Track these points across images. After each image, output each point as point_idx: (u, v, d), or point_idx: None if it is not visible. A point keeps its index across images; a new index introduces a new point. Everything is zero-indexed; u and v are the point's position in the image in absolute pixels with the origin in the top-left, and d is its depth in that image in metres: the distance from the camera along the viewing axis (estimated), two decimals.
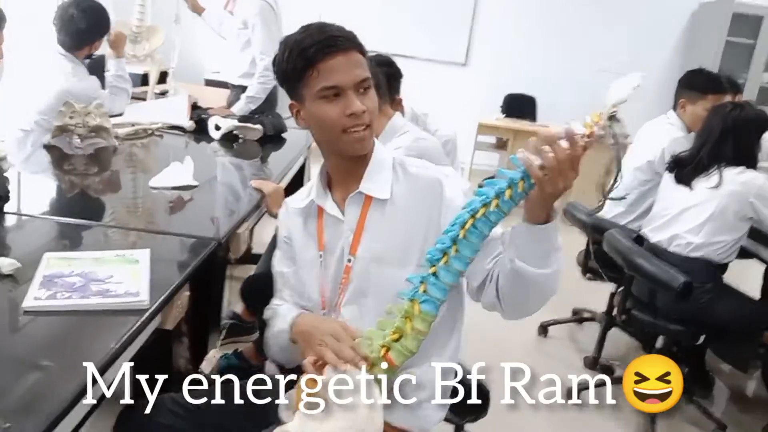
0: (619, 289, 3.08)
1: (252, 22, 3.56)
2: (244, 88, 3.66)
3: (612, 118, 1.00)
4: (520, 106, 6.33)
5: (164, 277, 1.33)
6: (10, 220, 1.60)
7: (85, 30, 2.72)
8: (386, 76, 2.07)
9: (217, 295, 1.74)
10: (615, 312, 2.89)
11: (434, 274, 1.06)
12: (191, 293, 1.49)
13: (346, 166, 1.25)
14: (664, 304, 2.53)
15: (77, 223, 1.71)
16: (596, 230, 2.99)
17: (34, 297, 1.14)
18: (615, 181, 1.07)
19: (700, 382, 2.89)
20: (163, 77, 4.63)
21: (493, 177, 1.08)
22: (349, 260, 1.24)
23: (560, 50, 6.45)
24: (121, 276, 1.26)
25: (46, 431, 0.83)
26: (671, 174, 2.61)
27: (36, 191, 2.04)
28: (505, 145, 5.65)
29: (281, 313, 1.31)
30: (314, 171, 1.34)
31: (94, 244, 1.55)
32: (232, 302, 2.58)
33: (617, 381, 2.91)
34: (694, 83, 3.01)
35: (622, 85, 1.04)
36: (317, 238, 1.29)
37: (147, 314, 1.17)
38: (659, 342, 2.69)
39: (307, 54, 1.15)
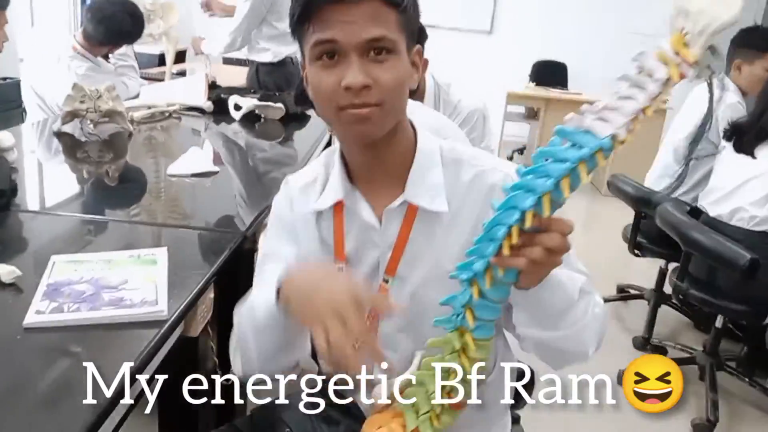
0: (670, 265, 2.89)
1: None
2: (256, 63, 3.51)
3: (713, 49, 0.66)
4: (550, 73, 6.10)
5: (185, 279, 1.18)
6: (14, 218, 1.46)
7: (126, 33, 2.71)
8: None
9: (244, 292, 1.59)
10: (670, 289, 2.70)
11: (481, 294, 0.81)
12: (216, 293, 1.35)
13: (368, 156, 0.95)
14: (725, 283, 2.35)
15: (89, 218, 1.57)
16: (644, 203, 2.79)
17: (36, 311, 0.99)
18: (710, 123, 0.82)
19: (760, 363, 2.71)
20: (180, 57, 4.49)
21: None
22: (386, 280, 0.96)
23: (591, 12, 6.17)
24: (137, 281, 1.11)
25: None
26: (729, 143, 2.39)
27: (45, 183, 1.91)
28: (536, 115, 5.42)
29: (262, 291, 0.93)
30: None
31: (107, 242, 1.40)
32: None
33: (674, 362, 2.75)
34: (751, 41, 2.75)
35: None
36: (334, 242, 0.99)
37: (167, 326, 1.02)
38: (718, 321, 2.50)
39: (303, 1, 0.85)
